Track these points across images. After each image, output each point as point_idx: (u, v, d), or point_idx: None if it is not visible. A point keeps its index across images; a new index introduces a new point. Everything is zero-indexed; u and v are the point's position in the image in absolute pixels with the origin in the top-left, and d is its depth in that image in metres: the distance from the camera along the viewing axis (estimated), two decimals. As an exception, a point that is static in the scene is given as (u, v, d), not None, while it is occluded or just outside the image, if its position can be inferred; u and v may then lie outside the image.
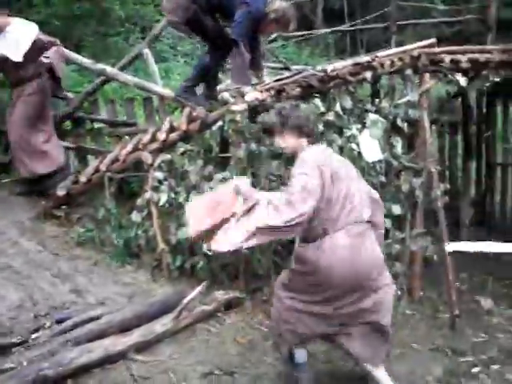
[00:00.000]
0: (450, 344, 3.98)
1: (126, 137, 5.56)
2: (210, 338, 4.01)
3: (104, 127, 5.71)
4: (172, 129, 4.91)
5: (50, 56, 5.25)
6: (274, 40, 10.83)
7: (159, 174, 4.67)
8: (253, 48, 4.96)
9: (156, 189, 4.66)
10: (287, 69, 6.49)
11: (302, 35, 10.49)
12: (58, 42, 5.44)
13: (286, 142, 3.26)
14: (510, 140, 5.79)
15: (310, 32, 10.64)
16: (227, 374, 3.58)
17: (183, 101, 5.13)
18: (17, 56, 5.08)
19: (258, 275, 4.71)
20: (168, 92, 5.61)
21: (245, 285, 4.69)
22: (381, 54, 4.71)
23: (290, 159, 4.65)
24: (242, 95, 4.62)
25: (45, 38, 5.32)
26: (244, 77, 4.85)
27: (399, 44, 6.51)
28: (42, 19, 8.54)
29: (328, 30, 10.06)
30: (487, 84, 5.40)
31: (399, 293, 4.54)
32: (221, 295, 4.41)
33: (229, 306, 4.40)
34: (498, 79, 5.28)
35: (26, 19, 5.31)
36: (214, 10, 4.95)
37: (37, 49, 5.18)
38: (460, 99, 5.62)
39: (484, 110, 5.67)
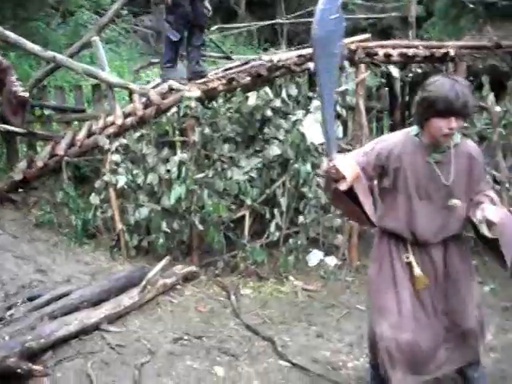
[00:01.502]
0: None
1: (75, 122, 5.69)
2: (174, 308, 4.30)
3: (53, 113, 5.79)
4: (126, 114, 5.13)
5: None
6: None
7: (117, 157, 4.89)
8: None
9: (114, 172, 4.88)
10: (228, 58, 6.82)
11: (231, 27, 10.91)
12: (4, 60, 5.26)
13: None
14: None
15: (245, 25, 11.05)
16: (196, 338, 3.89)
17: (166, 79, 5.32)
18: None
19: (210, 251, 5.09)
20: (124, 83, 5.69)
21: (198, 260, 5.05)
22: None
23: (239, 143, 5.07)
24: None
25: None
26: None
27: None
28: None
29: (260, 24, 10.51)
30: (410, 75, 6.05)
31: (340, 262, 5.08)
32: (178, 270, 4.71)
33: (185, 279, 4.72)
34: (419, 70, 5.93)
35: None
36: None
37: None
38: (386, 88, 6.20)
39: (407, 98, 6.27)
